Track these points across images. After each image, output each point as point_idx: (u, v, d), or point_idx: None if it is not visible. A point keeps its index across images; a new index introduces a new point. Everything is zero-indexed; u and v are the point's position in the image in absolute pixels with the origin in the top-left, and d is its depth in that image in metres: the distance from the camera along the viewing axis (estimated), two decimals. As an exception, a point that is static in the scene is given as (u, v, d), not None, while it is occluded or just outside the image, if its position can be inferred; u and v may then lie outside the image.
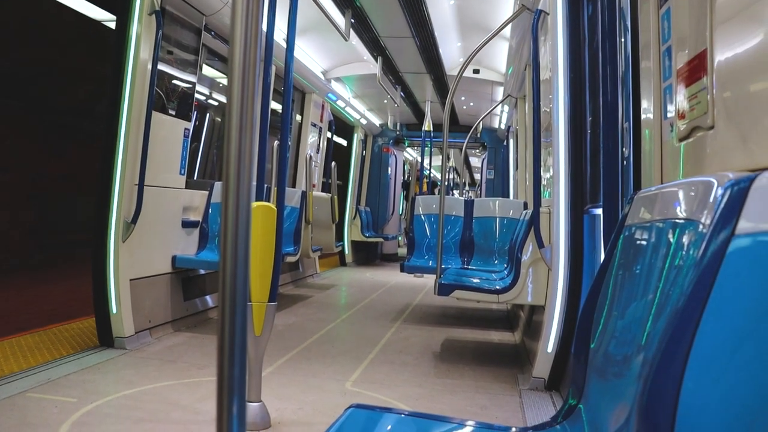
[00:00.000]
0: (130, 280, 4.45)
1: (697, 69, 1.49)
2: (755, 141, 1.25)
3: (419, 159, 11.21)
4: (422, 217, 6.93)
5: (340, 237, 11.14)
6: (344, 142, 12.54)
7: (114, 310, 4.32)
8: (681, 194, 1.22)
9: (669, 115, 1.74)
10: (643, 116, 2.02)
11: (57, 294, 7.26)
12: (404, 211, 16.40)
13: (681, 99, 1.61)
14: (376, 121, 12.40)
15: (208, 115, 6.96)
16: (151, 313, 4.70)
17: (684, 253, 1.07)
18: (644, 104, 1.99)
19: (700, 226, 1.01)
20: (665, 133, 1.80)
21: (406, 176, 17.15)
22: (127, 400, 3.26)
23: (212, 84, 6.88)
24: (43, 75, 10.55)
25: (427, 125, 10.42)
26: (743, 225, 0.90)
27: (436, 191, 16.86)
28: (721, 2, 1.38)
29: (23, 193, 10.49)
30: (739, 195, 0.93)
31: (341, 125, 11.31)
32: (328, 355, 4.44)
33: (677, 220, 1.19)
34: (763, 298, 0.85)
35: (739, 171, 1.04)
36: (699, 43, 1.48)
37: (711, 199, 1.00)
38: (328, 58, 8.56)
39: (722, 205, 0.94)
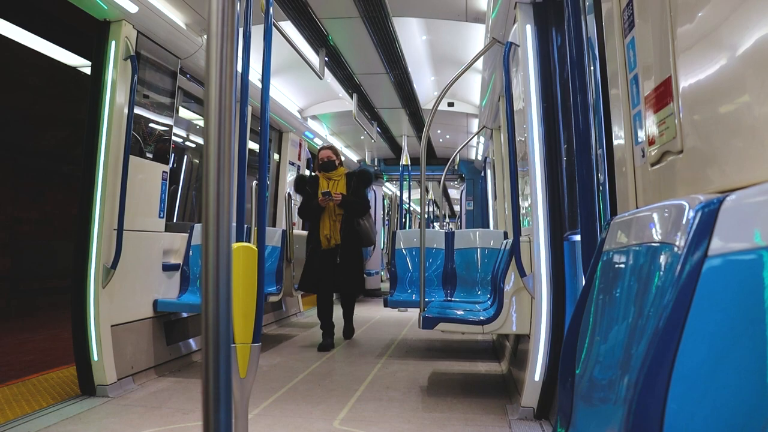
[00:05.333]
0: (111, 326, 4.39)
1: (663, 95, 1.53)
2: (722, 163, 1.28)
3: (398, 193, 11.16)
4: (403, 251, 6.94)
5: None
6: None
7: (95, 357, 4.25)
8: (655, 218, 1.24)
9: (640, 140, 1.78)
10: (615, 142, 2.06)
11: (36, 343, 7.13)
12: (385, 246, 16.38)
13: (650, 125, 1.65)
14: (354, 158, 12.46)
15: (186, 157, 6.96)
16: (134, 359, 4.63)
17: (661, 275, 1.09)
18: (616, 131, 2.03)
19: (675, 248, 1.03)
20: (637, 158, 1.83)
21: (386, 211, 17.17)
22: (110, 449, 3.20)
23: (189, 126, 6.90)
24: (18, 119, 10.51)
25: (405, 159, 10.49)
26: (715, 245, 0.92)
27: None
28: (682, 31, 1.42)
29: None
30: (709, 216, 0.95)
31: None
32: (315, 394, 4.39)
33: (653, 244, 1.21)
34: (739, 315, 0.86)
35: (709, 193, 1.06)
36: (663, 70, 1.52)
37: (684, 222, 1.02)
38: (304, 96, 8.63)
39: (694, 227, 0.96)
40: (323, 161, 6.60)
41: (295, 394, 4.40)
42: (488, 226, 10.88)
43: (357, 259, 6.61)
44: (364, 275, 6.83)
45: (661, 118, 1.56)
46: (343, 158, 7.06)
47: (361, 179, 6.65)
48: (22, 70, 9.11)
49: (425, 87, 8.20)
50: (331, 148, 6.79)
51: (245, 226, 3.25)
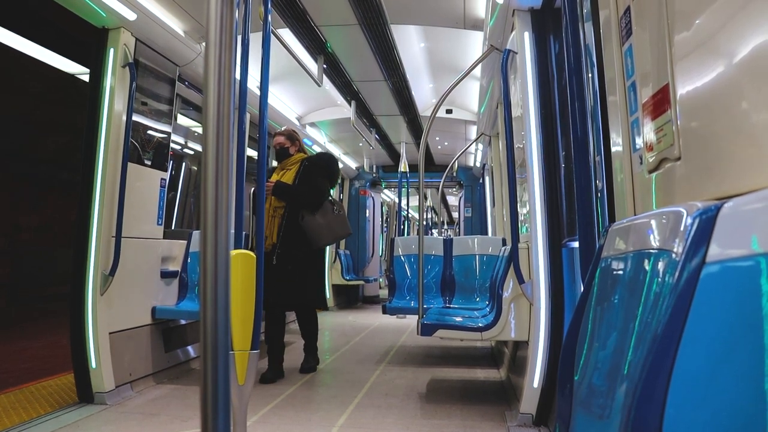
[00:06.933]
0: (110, 333, 4.38)
1: (661, 102, 1.53)
2: (720, 170, 1.28)
3: (397, 200, 11.11)
4: (402, 258, 6.93)
5: (320, 281, 11.04)
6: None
7: (93, 364, 4.23)
8: (653, 224, 1.24)
9: (638, 147, 1.78)
10: (613, 149, 2.06)
11: (34, 350, 7.11)
12: (384, 253, 16.37)
13: (648, 131, 1.65)
14: (353, 165, 12.46)
15: (184, 164, 6.96)
16: (132, 366, 4.62)
17: (659, 281, 1.09)
18: (613, 138, 2.03)
19: (673, 255, 1.03)
20: (635, 165, 1.83)
21: (385, 218, 17.17)
22: (108, 457, 3.19)
23: (188, 133, 6.90)
24: (18, 126, 10.50)
25: (403, 166, 10.48)
26: (713, 252, 0.92)
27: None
28: (680, 38, 1.43)
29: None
30: (707, 223, 0.95)
31: (318, 169, 11.31)
32: (313, 401, 4.38)
33: (651, 250, 1.21)
34: (737, 322, 0.86)
35: (707, 200, 1.07)
36: (661, 77, 1.53)
37: (681, 229, 1.02)
38: (302, 103, 8.64)
39: (692, 234, 0.96)
40: (276, 150, 5.53)
41: (294, 401, 4.39)
42: (486, 233, 10.87)
43: (303, 264, 5.27)
44: (321, 284, 5.59)
45: (659, 125, 1.56)
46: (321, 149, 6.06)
47: (313, 162, 5.43)
48: (23, 75, 9.12)
49: (423, 94, 8.21)
50: (286, 132, 5.58)
51: (244, 233, 3.25)
